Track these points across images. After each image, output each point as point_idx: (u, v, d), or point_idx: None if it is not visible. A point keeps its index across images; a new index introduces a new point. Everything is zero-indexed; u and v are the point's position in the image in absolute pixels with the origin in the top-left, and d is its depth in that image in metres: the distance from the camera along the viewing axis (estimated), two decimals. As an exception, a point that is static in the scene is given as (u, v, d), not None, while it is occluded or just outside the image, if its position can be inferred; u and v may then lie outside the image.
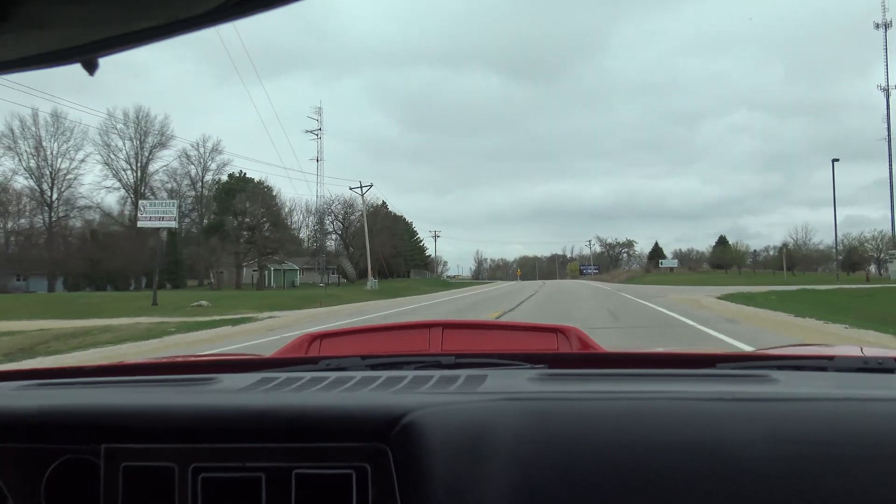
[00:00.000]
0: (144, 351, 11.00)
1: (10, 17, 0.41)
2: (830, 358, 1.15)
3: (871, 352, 1.27)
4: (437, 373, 1.08)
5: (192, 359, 1.60)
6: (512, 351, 1.38)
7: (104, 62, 0.48)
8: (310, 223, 73.81)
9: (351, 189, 48.78)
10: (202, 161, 60.10)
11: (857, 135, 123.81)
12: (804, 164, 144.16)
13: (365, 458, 0.78)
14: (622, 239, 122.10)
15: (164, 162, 55.07)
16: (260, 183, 55.56)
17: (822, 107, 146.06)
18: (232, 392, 0.96)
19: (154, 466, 0.81)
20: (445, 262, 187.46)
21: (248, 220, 50.28)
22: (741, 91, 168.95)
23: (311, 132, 63.56)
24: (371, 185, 54.41)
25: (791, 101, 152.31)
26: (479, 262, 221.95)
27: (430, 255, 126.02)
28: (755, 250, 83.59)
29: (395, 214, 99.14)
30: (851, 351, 1.32)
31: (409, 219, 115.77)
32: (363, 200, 48.61)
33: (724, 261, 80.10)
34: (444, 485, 0.75)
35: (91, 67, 0.48)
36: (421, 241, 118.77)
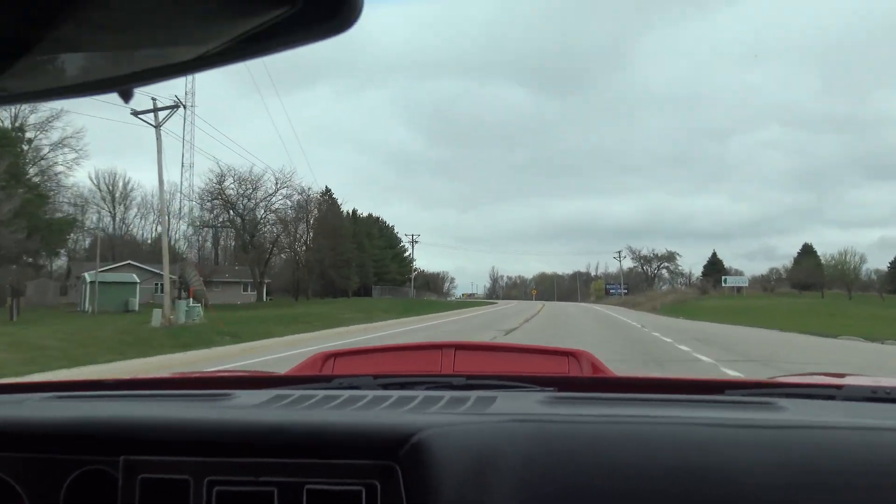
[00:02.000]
0: None
1: (49, 42, 0.43)
2: (839, 387, 1.15)
3: (880, 381, 1.29)
4: (448, 393, 1.10)
5: (209, 374, 1.69)
6: (523, 373, 1.42)
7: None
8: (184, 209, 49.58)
9: (135, 114, 22.26)
10: None
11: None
12: (838, 181, 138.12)
13: (375, 474, 0.79)
14: (660, 250, 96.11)
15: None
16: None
17: (859, 122, 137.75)
18: (247, 408, 0.99)
19: (170, 479, 0.83)
20: (453, 279, 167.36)
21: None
22: (774, 105, 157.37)
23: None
24: (177, 107, 23.35)
25: (826, 115, 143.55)
26: (495, 280, 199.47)
27: (418, 269, 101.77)
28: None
29: (357, 215, 75.10)
30: (861, 381, 1.35)
31: (388, 222, 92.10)
32: (158, 137, 22.70)
33: (816, 278, 54.25)
34: (452, 503, 0.77)
35: (126, 96, 0.51)
36: (406, 251, 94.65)
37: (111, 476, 0.85)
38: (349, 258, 59.31)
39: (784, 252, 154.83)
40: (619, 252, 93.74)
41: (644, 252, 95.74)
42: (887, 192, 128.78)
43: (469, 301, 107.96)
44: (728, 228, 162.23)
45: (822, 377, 1.54)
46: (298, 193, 54.17)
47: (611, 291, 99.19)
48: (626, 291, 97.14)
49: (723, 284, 55.80)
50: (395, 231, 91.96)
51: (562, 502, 0.74)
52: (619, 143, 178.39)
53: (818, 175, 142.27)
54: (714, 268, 71.53)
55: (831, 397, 1.10)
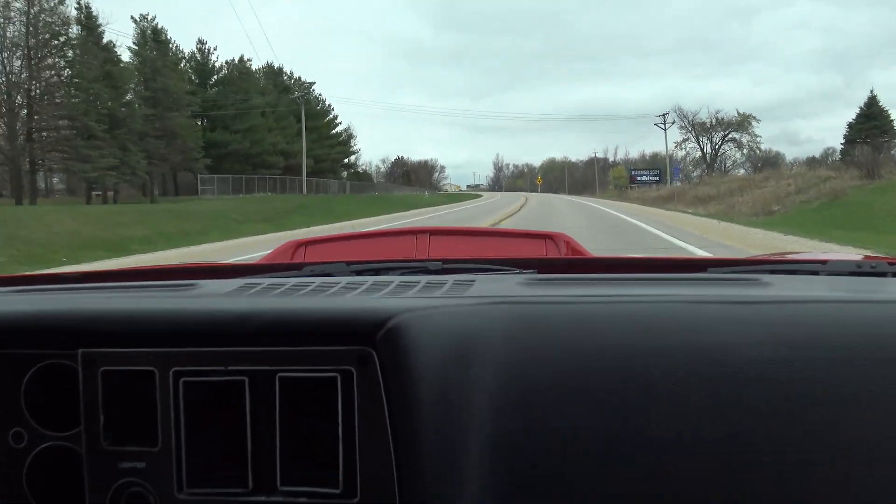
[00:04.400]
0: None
1: None
2: (823, 262, 1.16)
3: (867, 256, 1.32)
4: (424, 278, 1.07)
5: (174, 265, 1.59)
6: (500, 257, 1.40)
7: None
8: None
9: None
10: None
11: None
12: (865, 62, 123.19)
13: (350, 361, 0.77)
14: (726, 113, 61.71)
15: None
16: None
17: None
18: (213, 296, 0.96)
19: (133, 371, 0.80)
20: (442, 168, 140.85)
21: None
22: None
23: None
24: None
25: None
26: (499, 169, 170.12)
27: (356, 152, 69.99)
28: None
29: (194, 55, 42.80)
30: (846, 256, 1.35)
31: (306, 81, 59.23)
32: None
33: None
34: (432, 387, 0.75)
35: None
36: (340, 132, 62.63)
37: (72, 370, 0.82)
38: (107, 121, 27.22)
39: (806, 136, 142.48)
40: (664, 116, 59.37)
41: (701, 117, 61.42)
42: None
43: (452, 195, 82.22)
44: (749, 113, 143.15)
45: (806, 254, 1.56)
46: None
47: (638, 179, 67.77)
48: (657, 179, 66.24)
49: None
50: (323, 100, 59.41)
51: (546, 383, 0.73)
52: (641, 25, 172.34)
53: (846, 55, 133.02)
54: (869, 125, 37.74)
55: (815, 272, 1.11)
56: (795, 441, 0.70)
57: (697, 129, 60.26)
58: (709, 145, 61.02)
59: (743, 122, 58.37)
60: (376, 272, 1.22)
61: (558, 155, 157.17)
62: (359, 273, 1.22)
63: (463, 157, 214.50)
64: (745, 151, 59.82)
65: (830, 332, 0.76)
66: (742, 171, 54.68)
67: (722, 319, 0.78)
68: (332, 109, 61.19)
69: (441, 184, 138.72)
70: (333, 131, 61.44)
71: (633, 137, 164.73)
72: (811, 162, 45.53)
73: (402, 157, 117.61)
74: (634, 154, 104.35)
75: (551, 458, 0.70)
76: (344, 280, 1.05)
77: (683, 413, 0.71)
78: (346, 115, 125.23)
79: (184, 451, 0.78)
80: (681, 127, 61.30)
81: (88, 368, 0.81)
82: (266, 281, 1.06)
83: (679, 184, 47.97)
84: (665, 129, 58.03)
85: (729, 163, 60.81)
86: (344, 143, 63.44)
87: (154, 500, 0.79)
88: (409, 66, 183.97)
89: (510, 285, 0.96)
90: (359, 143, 68.92)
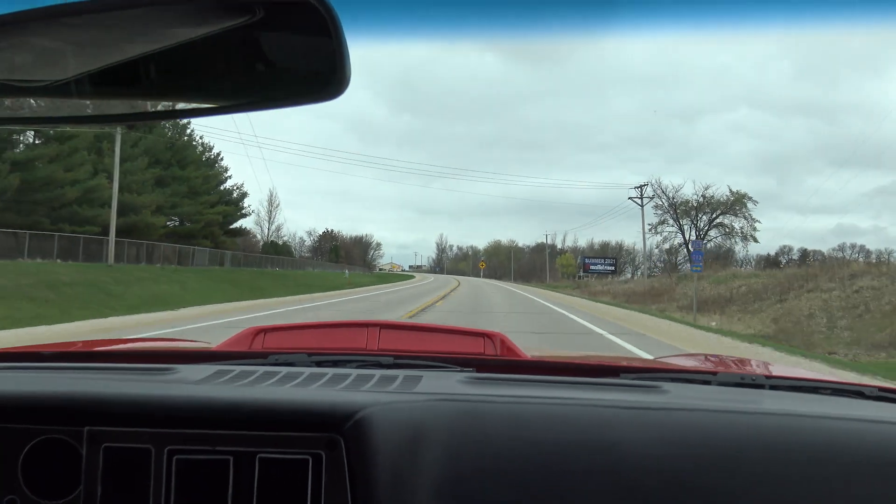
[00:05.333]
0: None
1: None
2: (714, 373, 1.32)
3: (751, 368, 1.62)
4: (378, 372, 1.22)
5: (148, 348, 1.78)
6: (443, 352, 1.55)
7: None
8: None
9: None
10: None
11: (858, 140, 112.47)
12: (799, 168, 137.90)
13: (320, 446, 0.90)
14: (717, 190, 50.28)
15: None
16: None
17: (825, 109, 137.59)
18: (194, 383, 1.08)
19: (132, 448, 0.91)
20: (378, 245, 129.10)
21: None
22: (744, 88, 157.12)
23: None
24: None
25: (794, 101, 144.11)
26: (442, 250, 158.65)
27: (246, 215, 56.11)
28: None
29: None
30: (735, 367, 1.68)
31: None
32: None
33: None
34: (387, 471, 0.88)
35: (132, 128, 0.63)
36: (230, 188, 49.05)
37: (67, 444, 0.92)
38: None
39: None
40: (641, 189, 46.95)
41: (687, 193, 49.62)
42: (848, 181, 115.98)
43: (383, 276, 71.86)
44: (744, 192, 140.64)
45: (703, 362, 1.90)
46: None
47: (592, 268, 58.00)
48: (612, 268, 55.18)
49: None
50: (209, 146, 46.08)
51: (480, 470, 0.88)
52: (589, 120, 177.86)
53: (780, 160, 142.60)
54: None
55: (707, 382, 1.27)
56: None
57: (678, 208, 48.27)
58: (692, 230, 48.83)
59: (736, 203, 46.75)
60: (335, 364, 1.33)
61: (504, 238, 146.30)
62: (319, 364, 1.32)
63: (410, 238, 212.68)
64: (737, 240, 47.86)
65: (713, 436, 0.92)
66: (687, 266, 43.28)
67: (625, 422, 0.94)
68: (221, 160, 47.80)
69: (376, 262, 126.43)
70: (221, 187, 47.84)
71: (581, 226, 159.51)
72: (768, 260, 37.94)
73: (331, 231, 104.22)
74: (583, 242, 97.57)
75: None
76: (307, 371, 1.18)
77: (590, 494, 0.87)
78: (286, 185, 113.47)
79: None
80: (657, 206, 49.26)
81: (92, 445, 0.90)
82: (237, 368, 1.19)
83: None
84: (641, 203, 45.71)
85: (681, 256, 49.25)
86: (234, 203, 49.60)
87: None
88: (361, 145, 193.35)
89: (452, 383, 1.12)
90: (286, 214, 55.24)
